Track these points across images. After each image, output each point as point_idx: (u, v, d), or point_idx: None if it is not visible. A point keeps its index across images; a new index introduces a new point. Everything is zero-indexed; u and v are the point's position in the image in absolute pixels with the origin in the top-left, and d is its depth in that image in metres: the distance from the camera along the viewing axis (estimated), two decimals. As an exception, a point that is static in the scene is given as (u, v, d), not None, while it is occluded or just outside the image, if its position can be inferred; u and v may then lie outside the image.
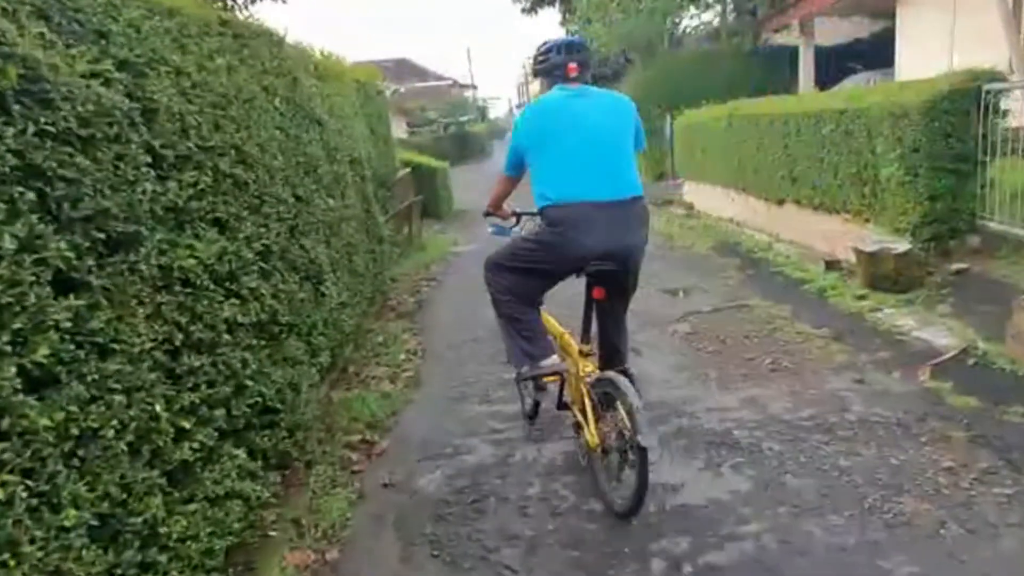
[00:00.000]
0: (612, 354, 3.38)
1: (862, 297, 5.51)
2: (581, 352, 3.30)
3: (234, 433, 2.91)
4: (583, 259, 2.99)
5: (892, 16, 16.47)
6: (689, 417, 3.87)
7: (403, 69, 49.59)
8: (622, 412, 2.75)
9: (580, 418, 3.17)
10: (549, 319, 3.62)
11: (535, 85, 3.61)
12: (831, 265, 6.48)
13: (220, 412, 2.76)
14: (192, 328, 2.62)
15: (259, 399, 3.13)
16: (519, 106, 70.27)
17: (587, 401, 3.04)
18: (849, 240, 6.70)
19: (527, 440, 3.86)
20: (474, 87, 52.48)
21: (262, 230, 3.45)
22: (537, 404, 3.86)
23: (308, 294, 4.20)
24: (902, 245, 5.48)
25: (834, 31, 17.36)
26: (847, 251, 6.73)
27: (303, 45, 5.92)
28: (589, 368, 3.21)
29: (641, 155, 3.44)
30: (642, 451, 2.62)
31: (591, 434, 2.99)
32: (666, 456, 3.44)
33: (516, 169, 3.33)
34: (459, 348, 5.69)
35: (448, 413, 4.40)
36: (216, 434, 2.70)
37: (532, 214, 3.43)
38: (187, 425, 2.51)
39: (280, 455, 3.41)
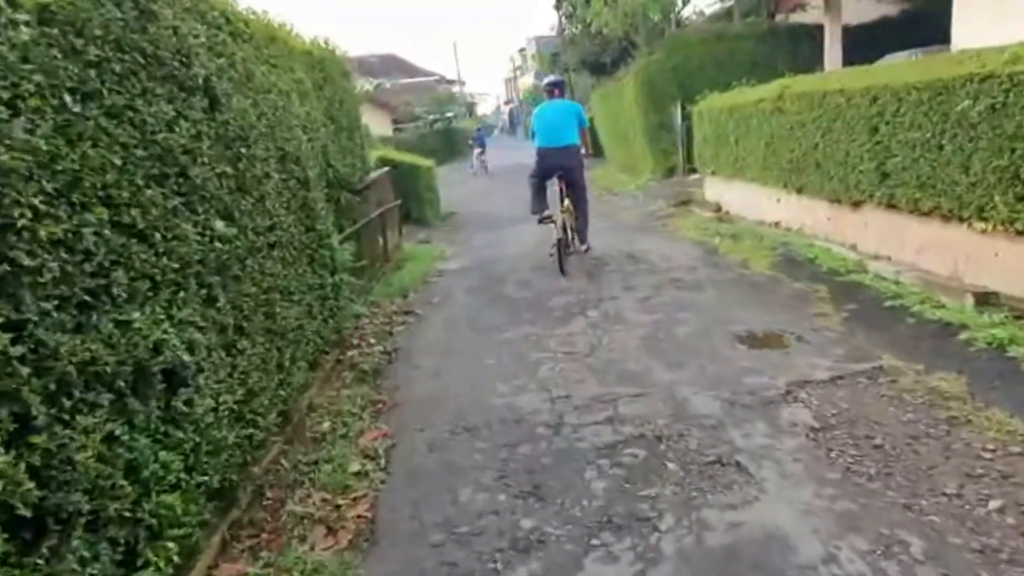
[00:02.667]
0: (576, 214, 7.15)
1: (1079, 362, 3.43)
2: (561, 210, 6.96)
3: None
4: (550, 169, 6.99)
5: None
6: None
7: (390, 65, 47.25)
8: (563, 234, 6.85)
9: (557, 233, 6.78)
10: (558, 203, 7.04)
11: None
12: (983, 300, 4.40)
13: None
14: None
15: None
16: (507, 102, 67.91)
17: (557, 226, 6.82)
18: (995, 260, 4.65)
19: None
20: (461, 83, 50.23)
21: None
22: (549, 219, 6.97)
23: (141, 423, 2.06)
24: None
25: (858, 10, 15.33)
26: (991, 276, 4.67)
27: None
28: (564, 215, 6.97)
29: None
30: (558, 242, 6.68)
31: (558, 233, 6.77)
32: None
33: (533, 136, 7.26)
34: (445, 447, 3.55)
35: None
36: None
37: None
38: None
39: None
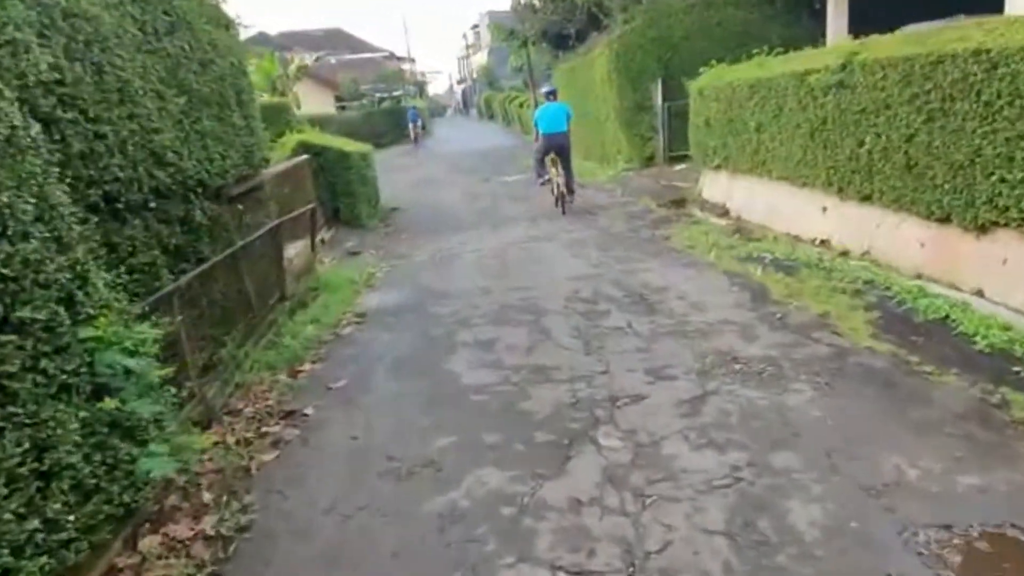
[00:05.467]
0: (566, 178, 9.60)
1: None
2: (555, 175, 9.73)
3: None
4: (550, 148, 9.69)
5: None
6: None
7: (335, 39, 43.52)
8: (559, 189, 9.68)
9: (555, 189, 9.73)
10: (552, 168, 9.74)
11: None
12: None
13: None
14: None
15: None
16: (460, 81, 64.36)
17: (554, 186, 9.80)
18: None
19: None
20: (411, 60, 46.75)
21: None
22: (549, 182, 9.90)
23: None
24: None
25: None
26: None
27: None
28: (557, 178, 9.68)
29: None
30: (560, 195, 9.68)
31: (556, 189, 9.71)
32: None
33: (536, 126, 9.94)
34: None
35: None
36: None
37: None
38: None
39: None
